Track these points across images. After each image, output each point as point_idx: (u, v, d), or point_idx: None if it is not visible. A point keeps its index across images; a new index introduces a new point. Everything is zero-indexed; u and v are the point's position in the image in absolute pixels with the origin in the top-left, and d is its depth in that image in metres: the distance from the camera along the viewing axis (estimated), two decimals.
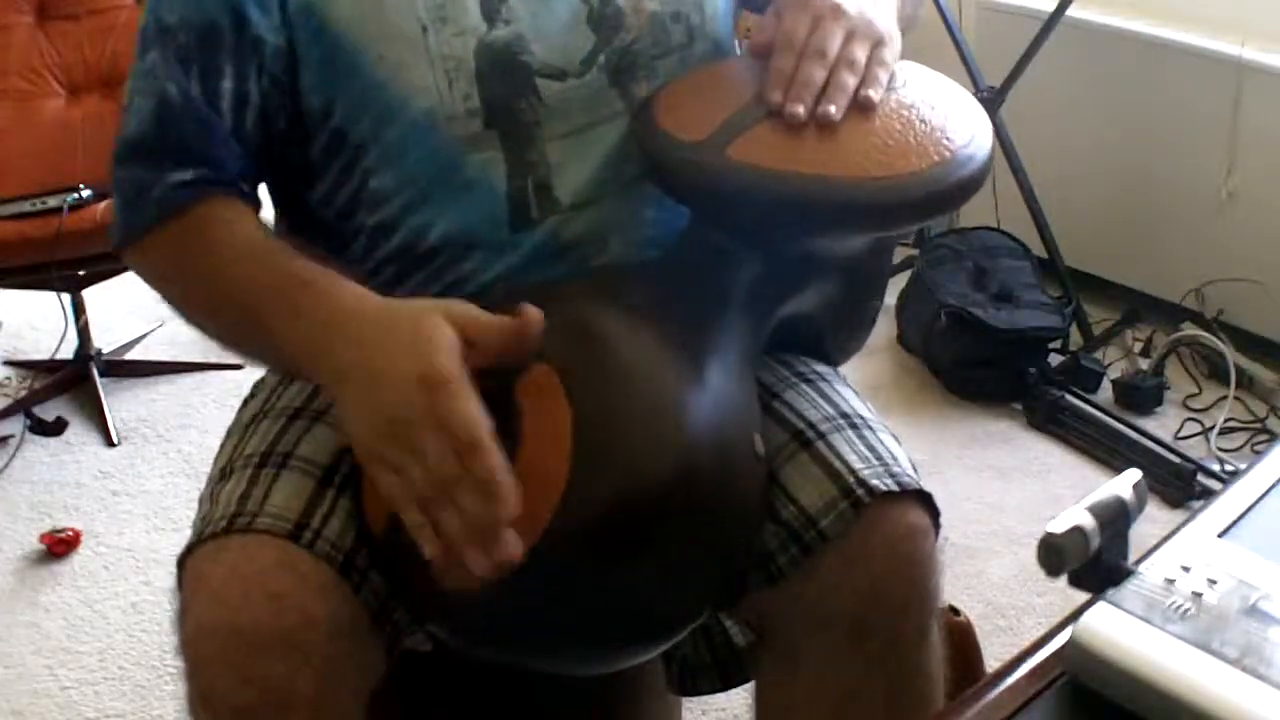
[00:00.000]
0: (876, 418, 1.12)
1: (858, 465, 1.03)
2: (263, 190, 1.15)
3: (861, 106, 1.01)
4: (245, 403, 1.18)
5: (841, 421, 1.08)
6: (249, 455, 1.06)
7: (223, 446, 1.13)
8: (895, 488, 1.02)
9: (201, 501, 1.08)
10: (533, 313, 0.92)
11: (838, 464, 1.03)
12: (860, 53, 1.03)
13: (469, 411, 0.87)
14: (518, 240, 1.08)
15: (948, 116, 1.04)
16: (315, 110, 1.07)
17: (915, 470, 1.07)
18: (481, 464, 0.86)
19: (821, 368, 1.17)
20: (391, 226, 1.09)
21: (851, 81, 1.02)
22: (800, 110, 1.00)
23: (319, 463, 1.04)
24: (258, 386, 1.19)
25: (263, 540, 0.96)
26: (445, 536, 0.88)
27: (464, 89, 1.05)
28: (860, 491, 1.01)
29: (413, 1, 1.03)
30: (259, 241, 1.04)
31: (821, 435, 1.06)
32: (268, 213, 1.15)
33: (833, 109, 1.00)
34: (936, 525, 1.05)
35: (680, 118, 1.05)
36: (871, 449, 1.06)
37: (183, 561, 1.00)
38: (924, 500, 1.04)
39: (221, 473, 1.07)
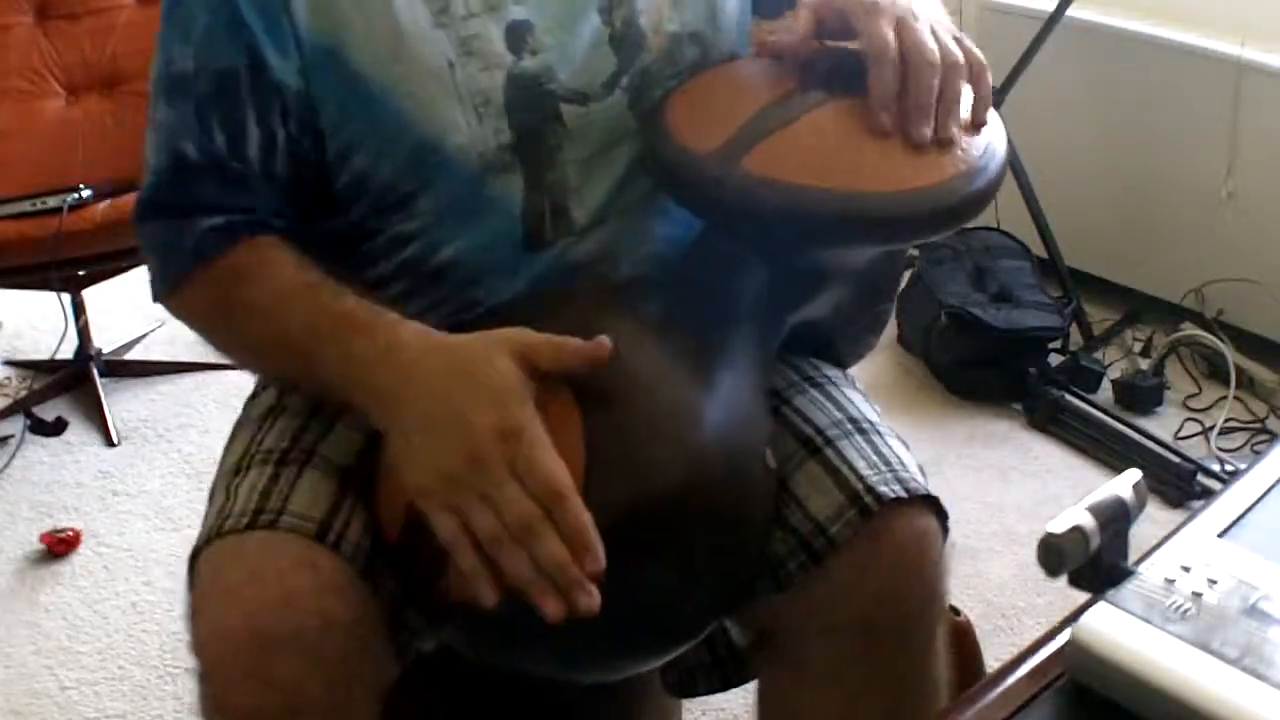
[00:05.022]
0: (884, 421, 1.12)
1: (866, 472, 1.03)
2: None
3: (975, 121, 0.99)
4: (255, 395, 1.17)
5: (850, 427, 1.08)
6: (268, 451, 1.04)
7: (234, 439, 1.12)
8: (903, 494, 1.02)
9: (213, 495, 1.06)
10: (606, 344, 0.93)
11: (846, 471, 1.03)
12: (957, 50, 0.97)
13: (551, 463, 0.88)
14: (529, 262, 1.07)
15: (965, 125, 1.01)
16: (336, 152, 1.04)
17: (923, 474, 1.07)
18: (571, 515, 0.87)
19: (830, 370, 1.16)
20: (405, 240, 1.07)
21: (964, 86, 0.98)
22: (926, 134, 0.95)
23: (341, 462, 1.03)
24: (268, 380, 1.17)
25: (286, 539, 0.95)
26: (513, 579, 0.88)
27: (494, 123, 1.03)
28: (868, 499, 1.01)
29: (437, 37, 1.01)
30: (302, 281, 1.01)
31: (830, 442, 1.06)
32: None
33: (954, 128, 0.96)
34: (945, 528, 1.05)
35: (694, 125, 1.02)
36: (879, 454, 1.05)
37: (195, 557, 0.98)
38: (931, 504, 1.04)
39: (235, 467, 1.05)
